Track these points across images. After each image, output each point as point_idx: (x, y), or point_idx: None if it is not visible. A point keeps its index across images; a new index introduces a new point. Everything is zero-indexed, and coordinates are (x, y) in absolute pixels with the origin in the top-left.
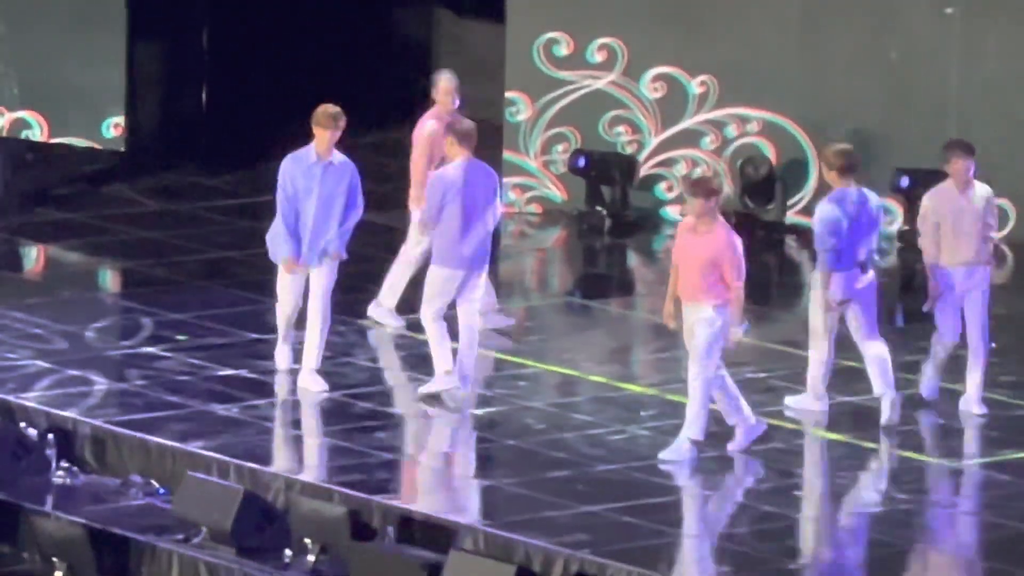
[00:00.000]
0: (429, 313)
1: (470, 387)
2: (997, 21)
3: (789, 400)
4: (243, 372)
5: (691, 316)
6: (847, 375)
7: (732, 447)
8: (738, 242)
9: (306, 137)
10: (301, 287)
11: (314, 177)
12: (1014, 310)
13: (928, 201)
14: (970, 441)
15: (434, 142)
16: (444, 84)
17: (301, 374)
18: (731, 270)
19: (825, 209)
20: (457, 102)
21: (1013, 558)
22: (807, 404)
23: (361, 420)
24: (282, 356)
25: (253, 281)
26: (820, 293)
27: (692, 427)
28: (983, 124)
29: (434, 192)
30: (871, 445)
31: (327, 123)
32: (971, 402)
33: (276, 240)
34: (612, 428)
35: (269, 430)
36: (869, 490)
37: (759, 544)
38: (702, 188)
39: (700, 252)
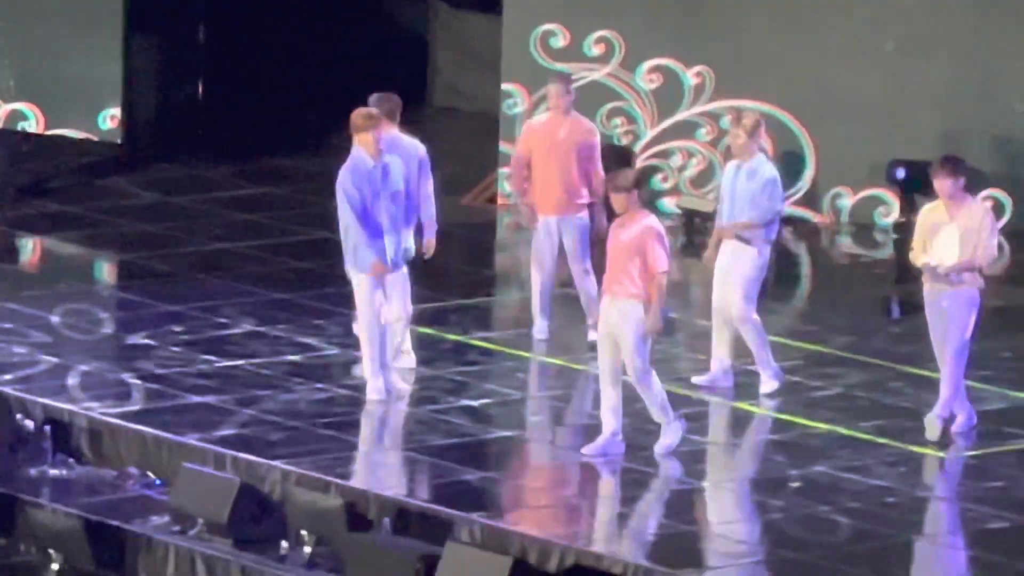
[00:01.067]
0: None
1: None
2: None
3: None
4: (241, 363)
5: (612, 310)
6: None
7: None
8: (662, 231)
9: (300, 130)
10: (380, 295)
11: (376, 181)
12: (1012, 302)
13: (920, 216)
14: (967, 432)
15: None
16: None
17: (394, 376)
18: (653, 260)
19: (775, 172)
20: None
21: (1003, 549)
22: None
23: (358, 413)
24: (378, 384)
25: (249, 273)
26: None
27: (665, 415)
28: (978, 115)
29: None
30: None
31: (366, 125)
32: (932, 420)
33: (359, 250)
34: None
35: (266, 422)
36: (863, 482)
37: (759, 537)
38: (623, 183)
39: (624, 242)
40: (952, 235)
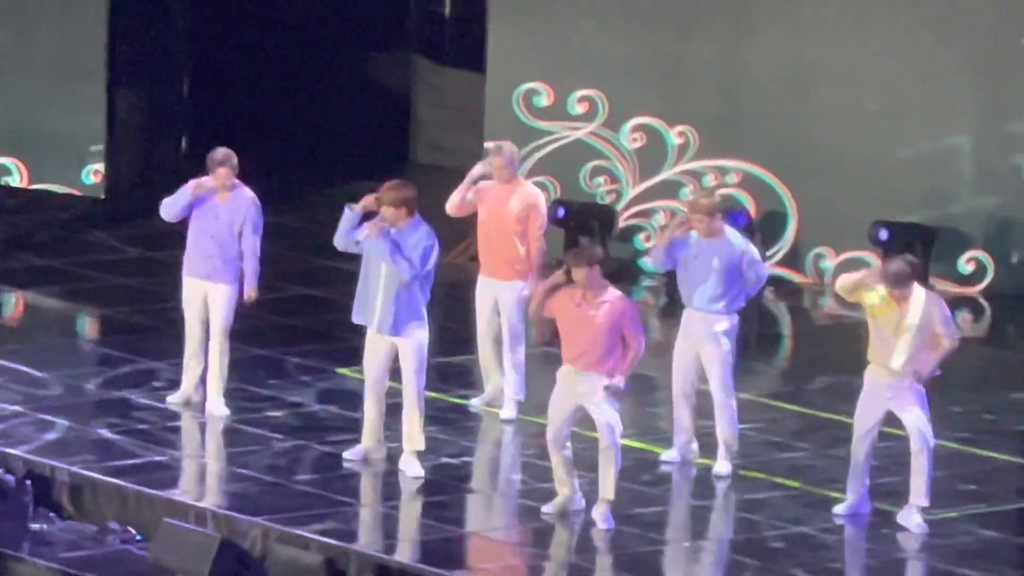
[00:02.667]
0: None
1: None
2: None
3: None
4: (221, 419)
5: (584, 385)
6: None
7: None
8: (634, 308)
9: (284, 187)
10: None
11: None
12: (993, 363)
13: None
14: (945, 495)
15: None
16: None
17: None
18: (632, 337)
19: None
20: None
21: None
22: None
23: (337, 469)
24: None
25: (231, 329)
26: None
27: (609, 489)
28: (960, 177)
29: None
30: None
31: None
32: (909, 515)
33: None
34: (587, 479)
35: (247, 478)
36: (843, 543)
37: None
38: (585, 257)
39: (598, 322)
40: None
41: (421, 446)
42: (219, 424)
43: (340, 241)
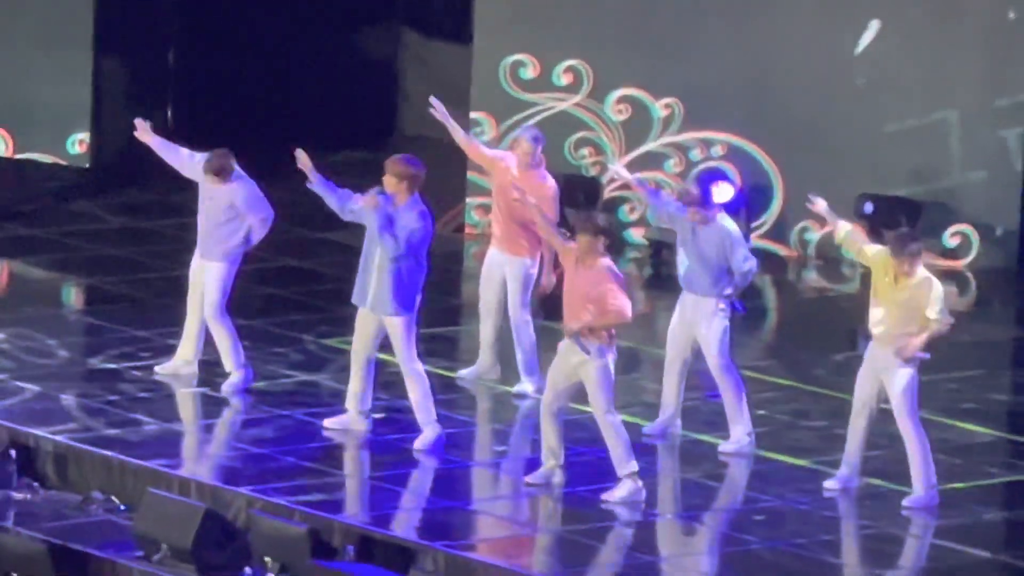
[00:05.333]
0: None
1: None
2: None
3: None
4: (205, 390)
5: (576, 356)
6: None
7: None
8: (620, 277)
9: (269, 157)
10: None
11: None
12: (979, 336)
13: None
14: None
15: None
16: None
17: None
18: (611, 297)
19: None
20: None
21: None
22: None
23: (322, 440)
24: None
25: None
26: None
27: (628, 459)
28: (946, 151)
29: None
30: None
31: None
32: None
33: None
34: (573, 450)
35: (231, 448)
36: (827, 516)
37: (724, 568)
38: (591, 226)
39: (585, 290)
40: None
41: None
42: (203, 395)
43: (335, 208)
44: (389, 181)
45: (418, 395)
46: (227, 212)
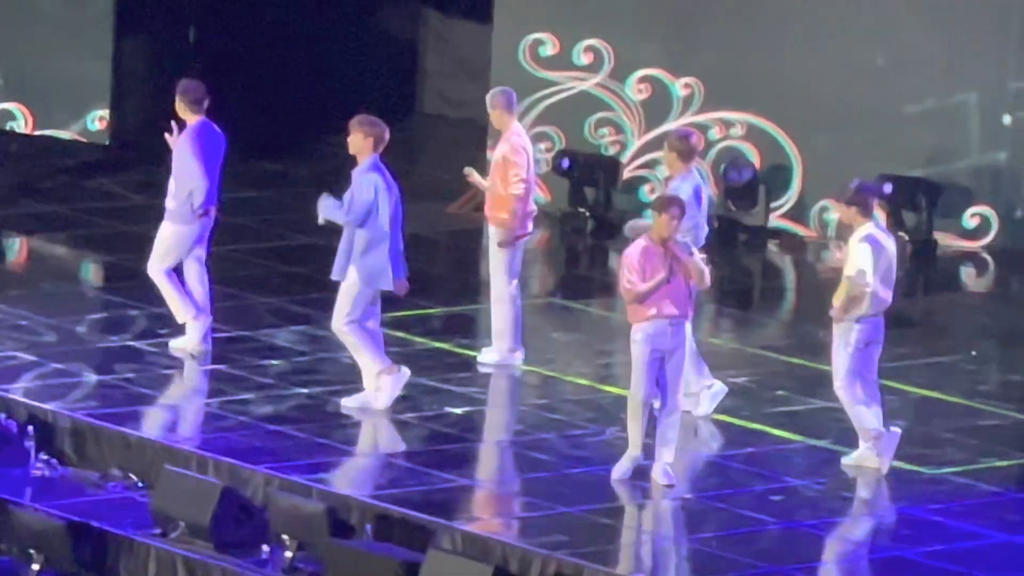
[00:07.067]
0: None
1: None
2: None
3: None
4: (223, 367)
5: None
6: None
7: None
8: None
9: (290, 135)
10: None
11: (391, 189)
12: (997, 318)
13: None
14: (948, 450)
15: None
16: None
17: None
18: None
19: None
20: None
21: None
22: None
23: (340, 418)
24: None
25: (236, 277)
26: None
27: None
28: (966, 131)
29: None
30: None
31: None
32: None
33: (382, 266)
34: (591, 430)
35: (249, 425)
36: (848, 498)
37: (733, 548)
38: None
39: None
40: None
41: (368, 386)
42: (221, 372)
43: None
44: (355, 139)
45: (358, 361)
46: (178, 164)
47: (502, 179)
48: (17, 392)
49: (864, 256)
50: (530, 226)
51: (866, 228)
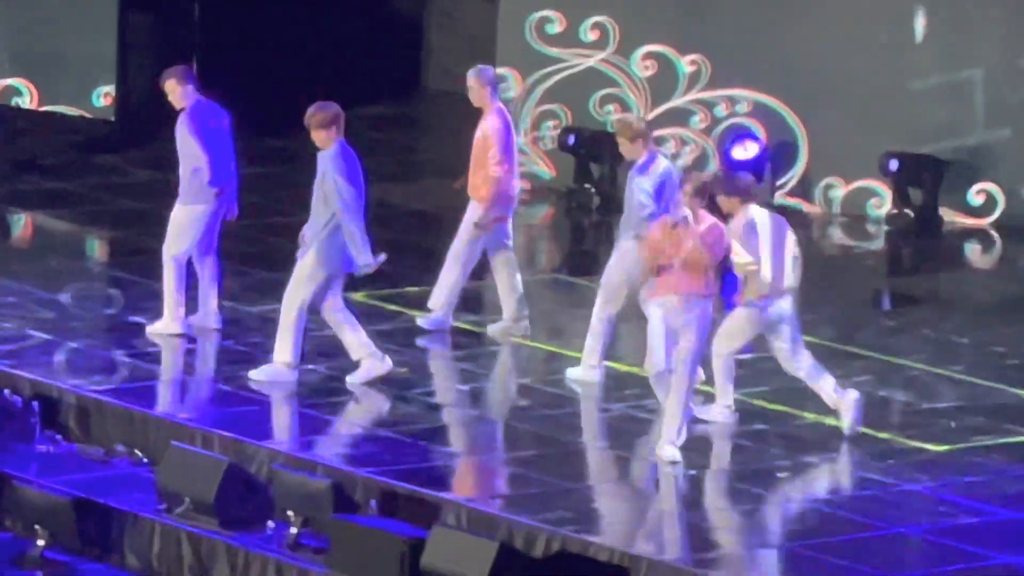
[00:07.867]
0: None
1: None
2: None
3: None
4: (229, 344)
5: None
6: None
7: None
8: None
9: (295, 111)
10: None
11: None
12: (1002, 294)
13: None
14: (952, 426)
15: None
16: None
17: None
18: None
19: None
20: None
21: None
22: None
23: (345, 394)
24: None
25: (242, 253)
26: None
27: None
28: (976, 110)
29: None
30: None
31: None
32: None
33: (355, 246)
34: (597, 405)
35: (254, 401)
36: (848, 473)
37: (741, 524)
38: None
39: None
40: None
41: (283, 357)
42: (227, 349)
43: None
44: (318, 136)
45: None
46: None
47: (483, 158)
48: (22, 368)
49: (745, 242)
50: (511, 209)
51: (744, 214)
